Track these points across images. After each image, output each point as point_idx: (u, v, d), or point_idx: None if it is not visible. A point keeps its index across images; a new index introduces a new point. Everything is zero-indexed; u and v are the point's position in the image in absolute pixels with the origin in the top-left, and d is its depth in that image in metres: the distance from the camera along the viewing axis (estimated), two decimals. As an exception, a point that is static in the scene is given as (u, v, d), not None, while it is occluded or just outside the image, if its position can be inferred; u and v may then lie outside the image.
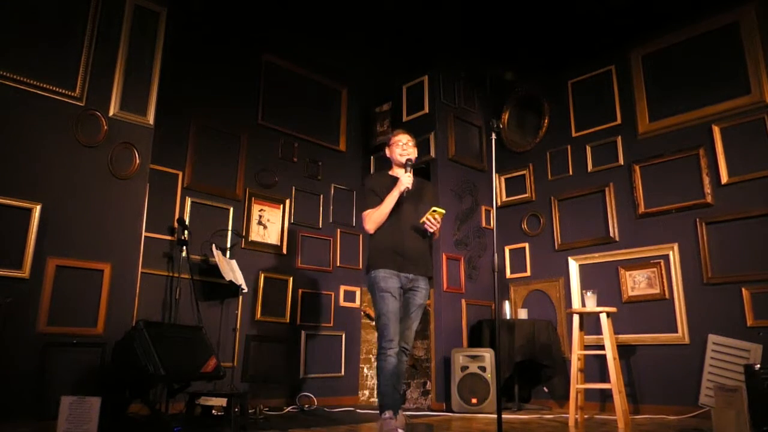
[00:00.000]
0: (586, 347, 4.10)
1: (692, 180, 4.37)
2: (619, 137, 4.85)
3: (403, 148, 3.33)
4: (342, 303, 5.33)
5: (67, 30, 3.69)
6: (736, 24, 4.35)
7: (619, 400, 3.55)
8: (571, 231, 5.03)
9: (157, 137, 4.04)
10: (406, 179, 3.16)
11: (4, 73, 3.39)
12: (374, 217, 3.20)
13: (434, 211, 3.09)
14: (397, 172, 3.34)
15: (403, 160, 3.28)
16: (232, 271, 4.32)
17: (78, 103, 3.66)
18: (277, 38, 5.27)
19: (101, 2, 3.83)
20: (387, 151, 3.43)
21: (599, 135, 4.99)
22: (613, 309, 3.91)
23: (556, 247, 5.09)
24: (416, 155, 3.36)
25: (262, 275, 4.80)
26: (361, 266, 5.50)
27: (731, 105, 4.27)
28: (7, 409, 3.08)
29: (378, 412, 3.02)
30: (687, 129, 4.48)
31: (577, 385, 3.73)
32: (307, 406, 4.61)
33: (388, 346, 3.01)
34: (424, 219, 3.12)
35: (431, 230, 3.16)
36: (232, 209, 4.74)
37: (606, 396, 4.41)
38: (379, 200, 3.22)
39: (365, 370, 5.36)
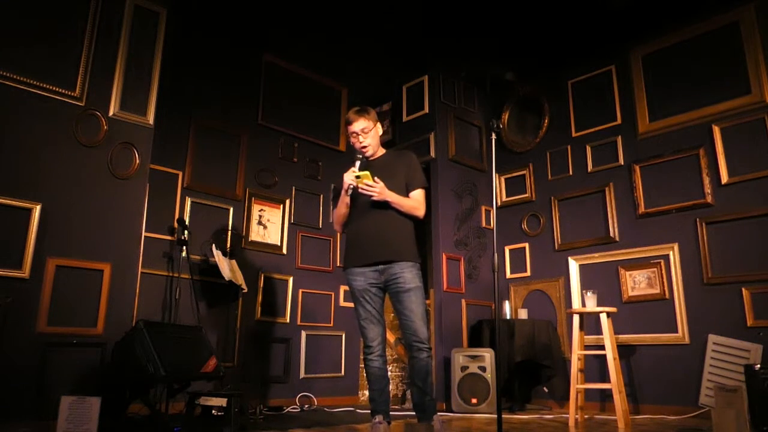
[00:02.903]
0: (586, 347, 4.10)
1: (692, 180, 4.37)
2: (619, 137, 4.85)
3: (359, 140, 2.96)
4: (342, 303, 5.32)
5: (67, 30, 3.68)
6: (736, 24, 4.34)
7: (619, 400, 3.55)
8: (571, 231, 5.03)
9: (157, 137, 4.04)
10: (347, 177, 2.85)
11: (4, 73, 3.39)
12: (335, 218, 3.10)
13: (357, 177, 2.79)
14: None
15: (358, 154, 2.96)
16: (232, 271, 4.32)
17: (78, 103, 3.66)
18: (277, 38, 5.27)
19: (101, 2, 3.83)
20: (350, 140, 3.07)
21: (599, 135, 4.99)
22: (613, 309, 3.91)
23: (556, 247, 5.09)
24: (378, 135, 3.00)
25: (262, 275, 4.80)
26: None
27: (731, 105, 4.27)
28: (7, 409, 3.07)
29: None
30: (687, 129, 4.48)
31: (577, 385, 3.73)
32: (307, 406, 4.61)
33: (368, 352, 2.92)
34: (358, 185, 2.82)
35: (373, 197, 2.81)
36: (232, 209, 4.74)
37: (606, 396, 4.41)
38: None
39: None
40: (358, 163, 2.90)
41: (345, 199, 2.94)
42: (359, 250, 2.91)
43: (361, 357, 5.31)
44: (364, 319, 2.90)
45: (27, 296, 3.27)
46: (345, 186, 2.87)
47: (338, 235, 5.42)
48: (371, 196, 2.82)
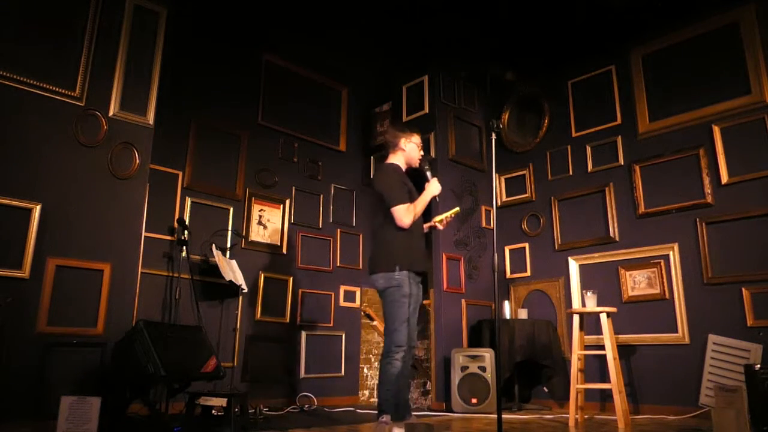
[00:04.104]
0: (586, 347, 4.10)
1: (692, 180, 4.37)
2: (619, 137, 4.85)
3: (421, 153, 3.35)
4: (342, 303, 5.33)
5: (67, 30, 3.69)
6: (736, 24, 4.35)
7: (619, 400, 3.55)
8: (571, 231, 5.03)
9: (157, 137, 4.04)
10: (437, 187, 3.22)
11: (4, 73, 3.39)
12: (417, 213, 3.15)
13: (455, 210, 3.24)
14: (404, 167, 3.34)
15: (418, 164, 3.32)
16: (232, 271, 4.32)
17: (78, 103, 3.66)
18: (277, 38, 5.27)
19: (101, 2, 3.83)
20: (403, 143, 3.30)
21: (599, 135, 4.99)
22: (613, 309, 3.91)
23: (556, 247, 5.09)
24: None
25: (262, 275, 4.80)
26: (361, 266, 5.49)
27: (731, 105, 4.27)
28: (7, 409, 3.07)
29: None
30: (687, 129, 4.48)
31: (577, 385, 3.73)
32: (307, 406, 4.61)
33: (397, 351, 2.97)
34: (443, 218, 3.20)
35: (440, 228, 3.32)
36: (232, 209, 4.74)
37: (606, 396, 4.41)
38: (408, 195, 3.17)
39: (365, 370, 5.36)
40: (429, 173, 3.27)
41: (425, 205, 3.20)
42: (418, 258, 3.16)
43: (362, 357, 5.34)
44: (404, 321, 3.02)
45: (27, 296, 3.27)
46: (436, 194, 3.20)
47: (338, 234, 5.43)
48: (441, 227, 3.30)
